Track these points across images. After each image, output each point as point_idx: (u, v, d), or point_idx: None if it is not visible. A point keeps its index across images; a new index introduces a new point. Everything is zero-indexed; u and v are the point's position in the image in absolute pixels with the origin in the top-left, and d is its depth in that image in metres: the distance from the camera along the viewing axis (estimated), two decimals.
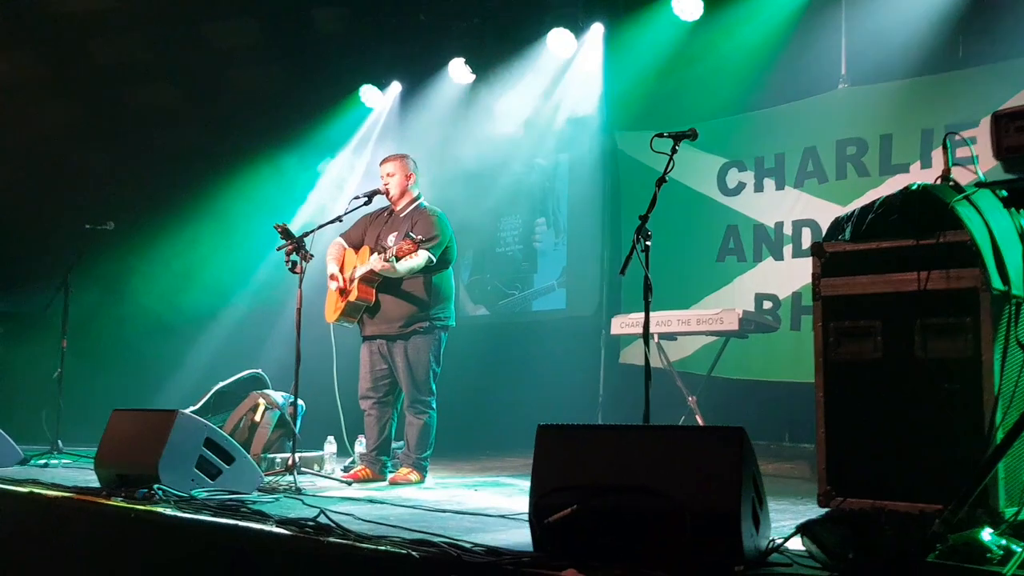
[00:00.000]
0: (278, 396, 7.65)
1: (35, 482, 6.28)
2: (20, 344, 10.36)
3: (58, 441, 8.14)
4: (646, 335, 5.12)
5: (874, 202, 4.19)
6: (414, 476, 6.91)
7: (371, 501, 5.81)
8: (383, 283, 6.91)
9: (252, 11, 11.07)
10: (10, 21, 10.70)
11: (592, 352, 10.12)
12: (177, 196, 10.42)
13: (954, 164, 4.19)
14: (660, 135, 5.33)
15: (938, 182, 4.17)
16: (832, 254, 4.26)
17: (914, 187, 4.07)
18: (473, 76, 10.50)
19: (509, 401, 9.72)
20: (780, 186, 9.05)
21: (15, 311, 10.25)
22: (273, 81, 11.32)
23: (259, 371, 8.09)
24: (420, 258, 6.68)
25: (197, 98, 11.03)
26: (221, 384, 7.98)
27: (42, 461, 7.81)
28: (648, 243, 5.06)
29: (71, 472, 7.18)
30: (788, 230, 8.91)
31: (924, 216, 3.96)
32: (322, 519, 4.65)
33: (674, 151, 5.26)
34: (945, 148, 4.24)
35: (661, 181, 5.19)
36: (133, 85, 11.40)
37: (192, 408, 7.61)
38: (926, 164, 8.03)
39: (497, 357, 10.60)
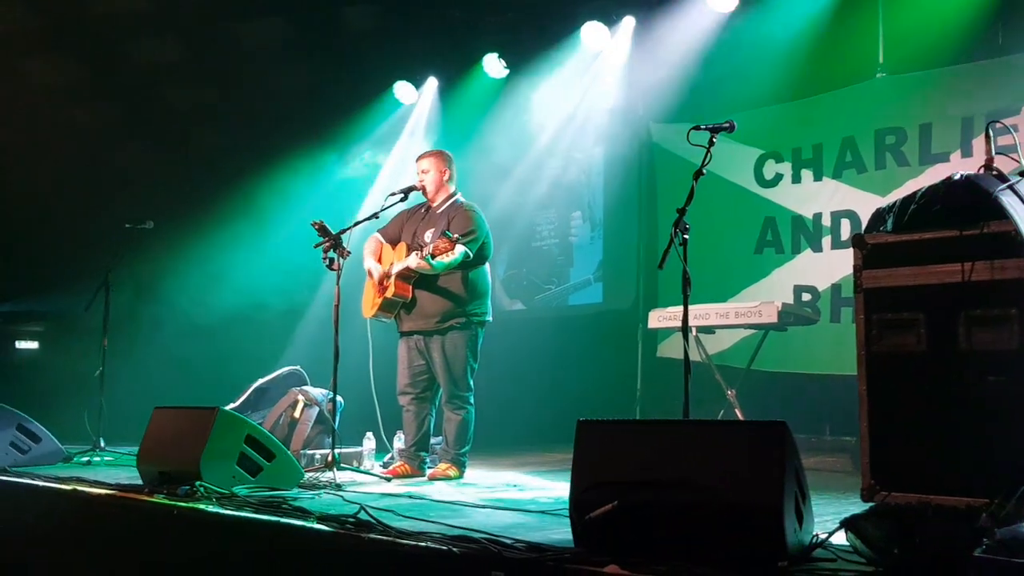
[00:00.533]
0: (317, 392, 7.68)
1: (78, 480, 6.33)
2: (62, 344, 10.47)
3: (100, 439, 8.20)
4: (685, 329, 5.09)
5: (916, 192, 4.14)
6: (453, 472, 6.91)
7: (410, 497, 5.82)
8: (420, 279, 6.92)
9: (286, 9, 11.10)
10: (50, 24, 10.80)
11: (629, 346, 10.08)
12: (214, 195, 10.48)
13: (997, 153, 4.14)
14: (697, 128, 5.30)
15: (981, 171, 4.12)
16: (874, 246, 4.22)
17: (957, 177, 4.02)
18: (507, 70, 10.48)
19: (547, 396, 9.70)
20: (818, 177, 8.97)
21: (56, 311, 10.35)
22: (307, 79, 11.36)
23: (298, 367, 8.12)
24: (456, 254, 6.67)
25: (232, 97, 11.08)
26: (260, 381, 8.02)
27: (85, 459, 7.88)
28: (686, 236, 5.03)
29: (113, 470, 7.24)
30: (827, 221, 8.83)
31: (967, 206, 3.91)
32: (363, 515, 4.66)
33: (711, 143, 5.23)
34: (987, 136, 4.18)
35: (698, 174, 5.16)
36: (170, 85, 11.48)
37: (232, 405, 7.66)
38: (966, 153, 7.93)
39: (534, 352, 10.58)
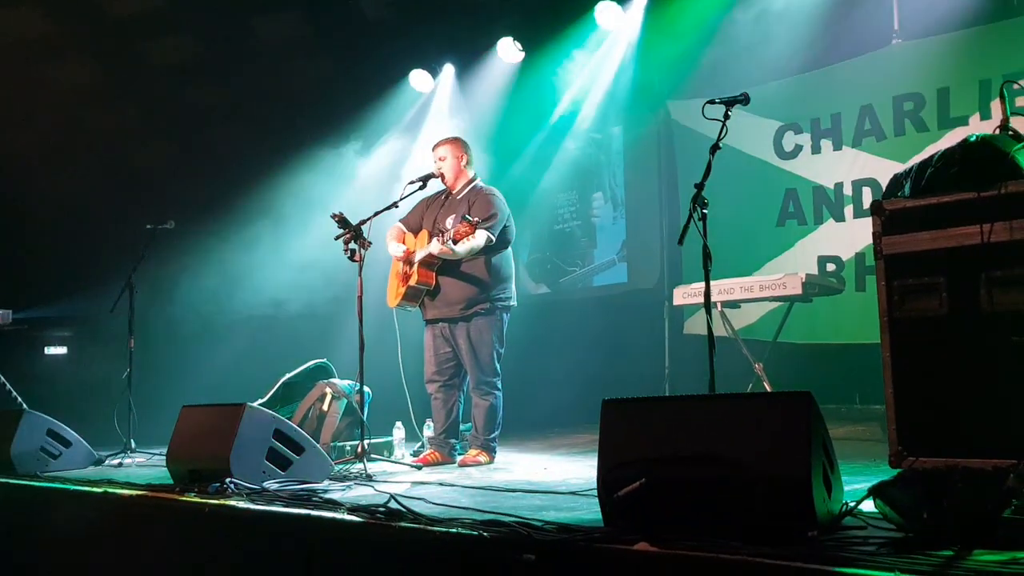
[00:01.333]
0: (344, 384, 7.70)
1: (109, 482, 6.36)
2: (90, 348, 10.54)
3: (131, 440, 8.26)
4: (707, 304, 5.07)
5: (932, 156, 4.12)
6: (483, 457, 6.93)
7: (441, 484, 5.83)
8: (443, 266, 6.93)
9: (299, 3, 11.12)
10: (68, 28, 10.86)
11: (656, 324, 10.08)
12: (234, 193, 10.51)
13: (1012, 113, 4.10)
14: (712, 102, 5.28)
15: (997, 132, 4.08)
16: (892, 212, 4.20)
17: (972, 139, 3.99)
18: (522, 54, 10.46)
19: (575, 378, 9.70)
20: (838, 146, 8.94)
21: (83, 315, 10.42)
22: (323, 72, 11.37)
23: (324, 360, 8.14)
24: (479, 238, 6.68)
25: (249, 93, 11.10)
26: (288, 375, 8.04)
27: (116, 461, 7.93)
28: (705, 211, 5.01)
29: (144, 470, 7.28)
30: (848, 190, 8.80)
31: (984, 168, 3.88)
32: (392, 504, 4.68)
33: (727, 117, 5.21)
34: (1003, 97, 4.15)
35: (715, 148, 5.13)
36: (188, 84, 11.51)
37: (260, 401, 7.67)
38: (985, 115, 7.88)
39: (561, 335, 10.60)
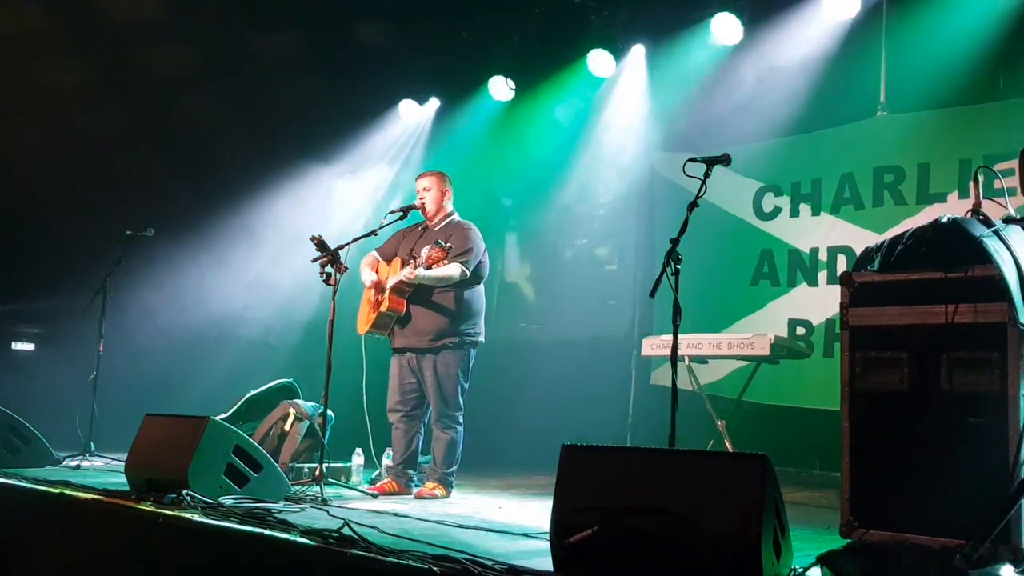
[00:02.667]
0: (308, 406, 7.71)
1: (66, 483, 6.35)
2: (57, 346, 10.49)
3: (91, 443, 8.23)
4: (674, 359, 5.12)
5: (904, 233, 4.20)
6: (440, 491, 6.94)
7: (395, 515, 5.84)
8: (414, 294, 6.96)
9: (298, 23, 11.18)
10: (62, 28, 10.88)
11: (623, 373, 10.11)
12: (216, 205, 10.53)
13: (985, 197, 4.19)
14: (693, 159, 5.35)
15: (968, 215, 4.17)
16: (861, 284, 4.27)
17: (944, 220, 4.07)
18: (512, 93, 10.53)
19: (539, 420, 9.70)
20: (816, 211, 9.02)
21: (54, 312, 10.37)
22: (315, 93, 11.42)
23: (291, 380, 8.15)
24: (452, 269, 6.73)
25: (241, 108, 11.12)
26: (253, 392, 8.04)
27: (74, 463, 7.91)
28: (678, 267, 5.07)
29: (103, 475, 7.26)
30: (823, 256, 8.88)
31: (953, 249, 3.96)
32: (346, 531, 4.69)
33: (707, 176, 5.28)
34: (976, 181, 4.24)
35: (693, 205, 5.20)
36: (181, 94, 11.53)
37: (223, 415, 7.67)
38: (964, 194, 7.97)
39: (528, 375, 10.62)
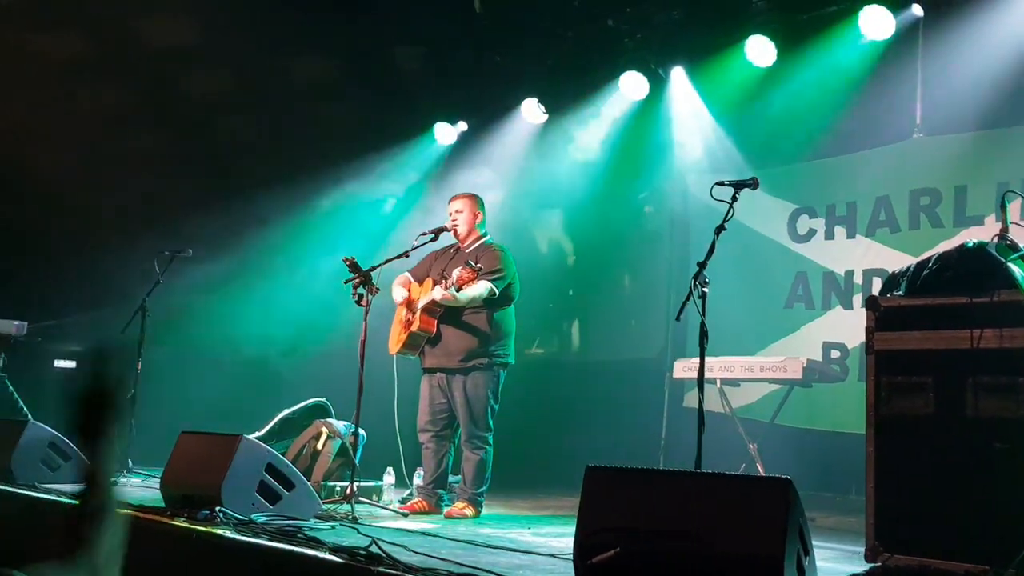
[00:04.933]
0: (341, 425, 7.77)
1: None
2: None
3: (129, 460, 8.33)
4: (700, 382, 5.15)
5: (929, 258, 4.20)
6: (469, 511, 6.96)
7: (424, 533, 5.88)
8: (445, 314, 7.01)
9: (336, 47, 11.29)
10: (104, 53, 11.06)
11: (657, 394, 10.09)
12: (254, 227, 10.65)
13: (1012, 223, 4.18)
14: (721, 183, 5.37)
15: (995, 240, 4.16)
16: (887, 308, 4.28)
17: (969, 244, 4.07)
18: (545, 116, 10.57)
19: (571, 441, 9.72)
20: (851, 234, 8.99)
21: (96, 329, 10.50)
22: (351, 116, 11.52)
23: (323, 400, 8.21)
24: (482, 288, 6.77)
25: (278, 131, 11.26)
26: (287, 411, 8.11)
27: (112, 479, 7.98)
28: (705, 290, 5.09)
29: (139, 491, 7.34)
30: (858, 279, 8.84)
31: (979, 274, 3.96)
32: (374, 549, 4.74)
33: (734, 199, 5.30)
34: (1002, 206, 4.23)
35: (720, 229, 5.23)
36: (218, 116, 11.68)
37: (257, 434, 7.74)
38: (1000, 217, 7.91)
39: (561, 396, 10.64)
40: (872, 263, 8.75)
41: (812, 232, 9.31)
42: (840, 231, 9.10)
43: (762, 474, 7.35)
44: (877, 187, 8.84)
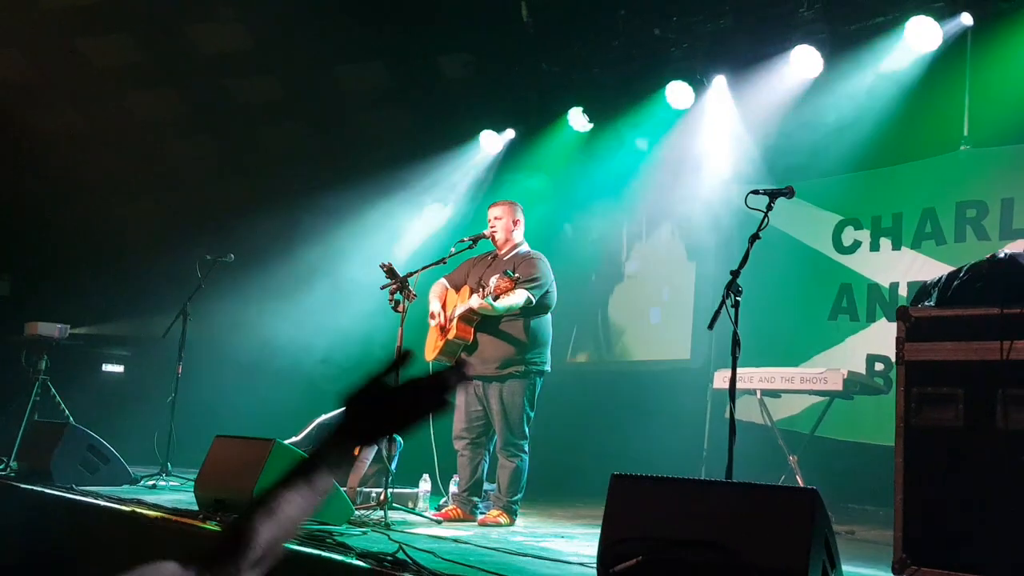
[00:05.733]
0: None
1: (138, 502, 6.52)
2: (143, 368, 10.76)
3: (167, 464, 8.42)
4: (732, 390, 5.12)
5: (961, 268, 4.14)
6: (503, 519, 6.95)
7: (456, 540, 5.88)
8: (482, 323, 7.01)
9: (384, 56, 11.39)
10: (156, 62, 11.23)
11: (699, 404, 10.02)
12: (298, 233, 10.73)
13: None
14: (756, 191, 5.33)
15: None
16: (917, 319, 4.23)
17: (1001, 255, 4.01)
18: (591, 124, 10.57)
19: (613, 450, 9.66)
20: (897, 246, 8.89)
21: (142, 335, 10.64)
22: (398, 124, 11.60)
23: None
24: (519, 296, 6.76)
25: (325, 139, 11.37)
26: (323, 417, 8.14)
27: (151, 482, 8.09)
28: (738, 298, 5.05)
29: (176, 494, 7.42)
30: (903, 291, 8.72)
31: (1009, 285, 3.90)
32: (401, 555, 4.75)
33: (769, 208, 5.27)
34: None
35: (754, 237, 5.20)
36: (267, 124, 11.81)
37: (294, 439, 7.78)
38: None
39: (604, 405, 10.61)
40: (917, 275, 8.61)
41: (857, 244, 9.22)
42: (885, 243, 9.01)
43: (800, 485, 7.27)
44: (923, 199, 8.74)
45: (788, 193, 5.31)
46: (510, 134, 11.24)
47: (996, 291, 3.93)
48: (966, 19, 8.22)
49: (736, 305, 5.03)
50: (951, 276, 4.14)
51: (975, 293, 4.01)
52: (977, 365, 3.98)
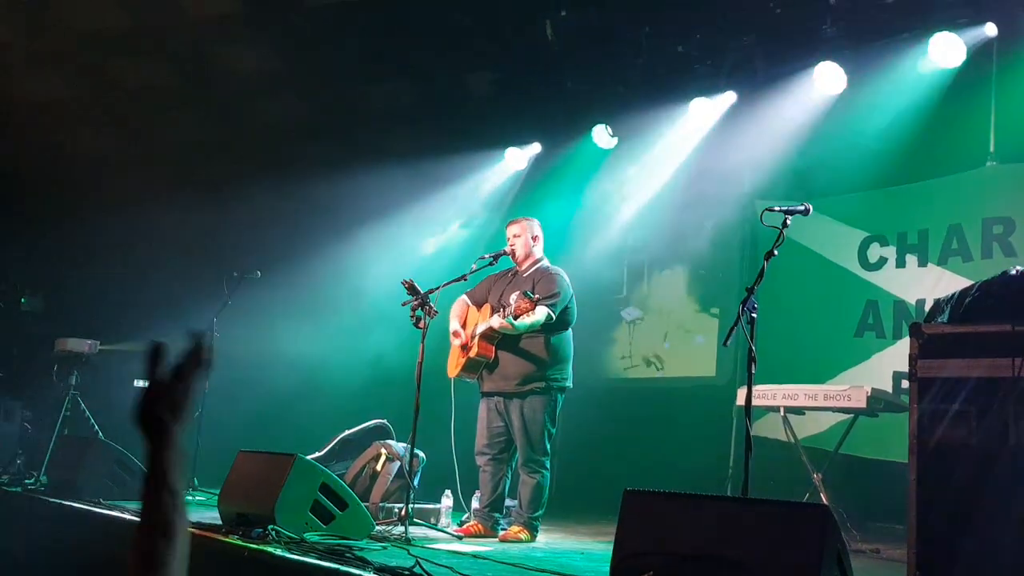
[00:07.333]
0: (400, 447, 7.83)
1: None
2: None
3: (194, 479, 8.48)
4: (748, 407, 5.13)
5: (973, 285, 4.14)
6: (524, 535, 6.95)
7: (475, 556, 5.89)
8: (503, 340, 7.04)
9: (411, 74, 11.47)
10: (185, 82, 11.38)
11: (726, 421, 10.01)
12: (324, 249, 10.81)
13: None
14: (771, 209, 5.35)
15: None
16: (930, 335, 4.22)
17: (1012, 272, 4.01)
18: (615, 140, 10.60)
19: (638, 466, 9.67)
20: (923, 263, 8.86)
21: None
22: (424, 141, 11.66)
23: (384, 421, 8.28)
24: (539, 315, 6.77)
25: (352, 155, 11.42)
26: (347, 432, 8.20)
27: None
28: (754, 315, 5.06)
29: (201, 509, 7.47)
30: (930, 308, 8.68)
31: (1021, 302, 3.89)
32: (417, 570, 4.78)
33: (785, 225, 5.28)
34: None
35: (769, 255, 5.22)
36: (295, 142, 11.89)
37: (316, 454, 7.84)
38: None
39: (631, 421, 10.60)
40: (944, 292, 8.40)
41: (883, 260, 9.20)
42: (912, 259, 8.98)
43: (825, 503, 7.24)
44: (949, 215, 8.71)
45: (804, 211, 5.32)
46: (535, 150, 11.30)
47: (1008, 308, 3.92)
48: (990, 29, 8.21)
49: (752, 322, 5.04)
50: (963, 293, 4.14)
51: (987, 310, 4.01)
52: (989, 382, 3.98)
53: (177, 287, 10.40)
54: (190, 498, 8.21)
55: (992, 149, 8.47)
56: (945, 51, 8.35)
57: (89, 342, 9.53)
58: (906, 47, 8.58)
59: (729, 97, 9.88)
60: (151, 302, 10.50)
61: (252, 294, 9.37)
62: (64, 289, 11.63)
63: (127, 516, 6.71)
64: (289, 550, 5.39)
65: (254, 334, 10.17)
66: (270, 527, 5.71)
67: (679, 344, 11.09)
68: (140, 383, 11.32)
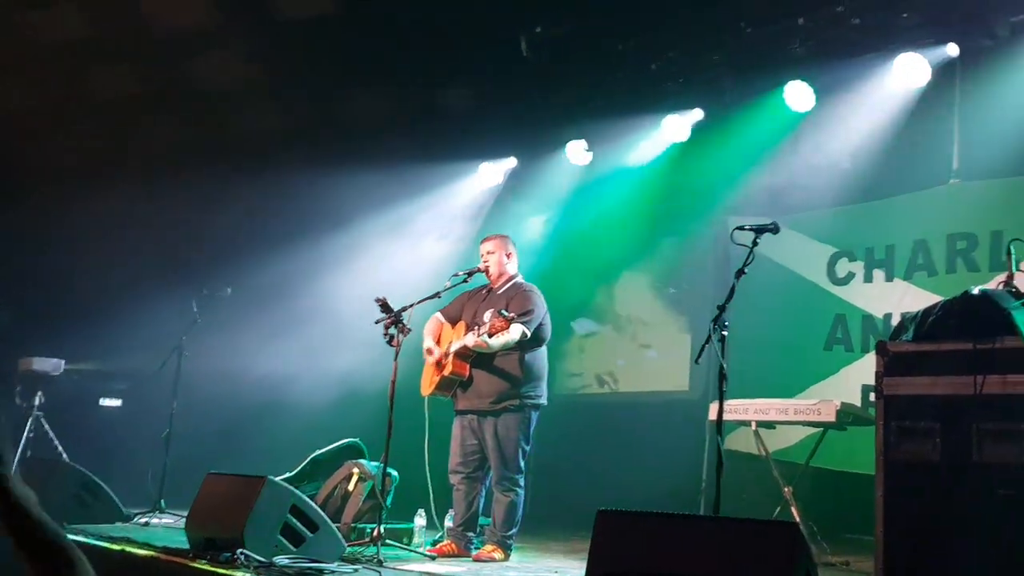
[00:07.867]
0: (373, 466, 7.79)
1: (128, 540, 6.48)
2: (141, 403, 10.76)
3: (161, 501, 8.40)
4: (719, 423, 5.18)
5: (936, 304, 4.20)
6: (498, 554, 6.93)
7: None
8: (477, 358, 7.04)
9: (386, 85, 11.45)
10: (155, 92, 11.32)
11: (700, 435, 10.04)
12: (294, 265, 10.78)
13: (1018, 270, 4.19)
14: (741, 228, 5.40)
15: (1001, 287, 4.16)
16: (895, 353, 4.28)
17: (974, 291, 4.07)
18: (590, 156, 10.66)
19: (611, 481, 9.70)
20: (889, 277, 9.02)
21: (138, 369, 10.64)
22: (400, 155, 11.64)
23: (357, 440, 8.23)
24: (514, 333, 6.77)
25: (324, 169, 11.40)
26: (318, 452, 8.13)
27: (143, 520, 8.06)
28: (724, 333, 5.11)
29: (168, 532, 7.41)
30: (896, 322, 8.75)
31: (982, 321, 3.96)
32: None
33: (754, 244, 5.33)
34: (1009, 254, 4.24)
35: (739, 273, 5.28)
36: (266, 153, 11.84)
37: (287, 475, 7.77)
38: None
39: (600, 437, 10.62)
40: (910, 306, 8.59)
41: (851, 275, 9.34)
42: (879, 274, 9.13)
43: (796, 518, 7.29)
44: (915, 231, 8.88)
45: (773, 228, 5.38)
46: (509, 165, 11.33)
47: (969, 327, 3.98)
48: (952, 50, 8.34)
49: (722, 339, 5.08)
50: (926, 312, 4.21)
51: (949, 329, 4.07)
52: (952, 399, 4.04)
53: (146, 305, 10.32)
54: (156, 520, 8.15)
55: (956, 166, 8.64)
56: (910, 71, 8.48)
57: (54, 361, 9.44)
58: (873, 67, 8.69)
59: (700, 115, 9.96)
60: (119, 320, 10.41)
61: (222, 310, 9.33)
62: (29, 306, 11.53)
63: (90, 540, 6.62)
64: (258, 574, 5.35)
65: (224, 351, 10.12)
66: (239, 551, 5.58)
67: (653, 358, 11.14)
68: (106, 402, 11.30)
